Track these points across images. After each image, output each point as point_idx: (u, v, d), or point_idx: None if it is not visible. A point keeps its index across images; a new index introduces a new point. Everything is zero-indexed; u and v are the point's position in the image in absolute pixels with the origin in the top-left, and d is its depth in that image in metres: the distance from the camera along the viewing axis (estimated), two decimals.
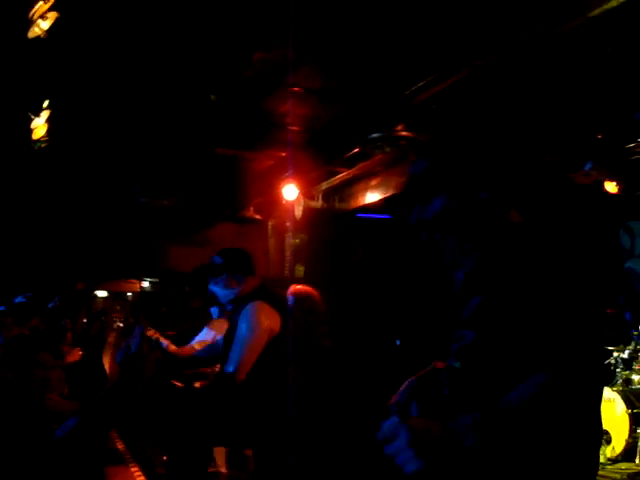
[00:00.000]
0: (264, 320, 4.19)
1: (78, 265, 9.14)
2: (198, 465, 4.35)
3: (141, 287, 13.69)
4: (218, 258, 4.42)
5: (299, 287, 4.88)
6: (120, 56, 5.50)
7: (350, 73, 5.59)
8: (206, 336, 7.74)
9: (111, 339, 9.60)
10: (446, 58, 5.03)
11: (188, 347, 7.73)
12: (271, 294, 4.39)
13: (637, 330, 7.11)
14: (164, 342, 7.61)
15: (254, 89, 6.02)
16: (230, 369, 4.13)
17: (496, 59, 4.85)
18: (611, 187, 7.01)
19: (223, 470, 5.82)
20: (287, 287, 4.87)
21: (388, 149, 6.34)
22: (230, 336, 4.27)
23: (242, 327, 4.19)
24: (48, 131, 5.88)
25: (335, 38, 5.07)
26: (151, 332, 7.90)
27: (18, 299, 7.03)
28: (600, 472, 6.50)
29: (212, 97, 5.97)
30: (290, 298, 4.73)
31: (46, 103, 5.86)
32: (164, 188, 8.08)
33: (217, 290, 4.47)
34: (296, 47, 4.98)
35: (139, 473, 6.82)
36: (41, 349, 3.60)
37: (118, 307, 13.00)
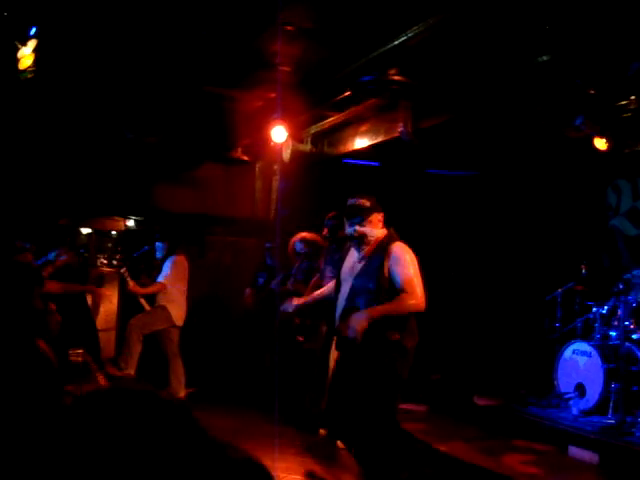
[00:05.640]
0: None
1: (62, 201, 9.04)
2: None
3: (126, 225, 13.60)
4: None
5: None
6: None
7: (343, 14, 5.49)
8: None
9: (94, 275, 9.60)
10: (441, 2, 4.95)
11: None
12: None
13: (617, 287, 7.18)
14: (130, 281, 7.82)
15: (245, 26, 5.91)
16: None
17: (492, 5, 4.78)
18: (600, 144, 6.98)
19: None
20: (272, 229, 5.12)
21: (380, 93, 6.27)
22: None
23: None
24: (35, 61, 5.76)
25: None
26: (123, 269, 8.07)
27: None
28: (572, 424, 6.63)
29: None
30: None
31: (33, 31, 5.72)
32: (151, 124, 7.97)
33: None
34: None
35: None
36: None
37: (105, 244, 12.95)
